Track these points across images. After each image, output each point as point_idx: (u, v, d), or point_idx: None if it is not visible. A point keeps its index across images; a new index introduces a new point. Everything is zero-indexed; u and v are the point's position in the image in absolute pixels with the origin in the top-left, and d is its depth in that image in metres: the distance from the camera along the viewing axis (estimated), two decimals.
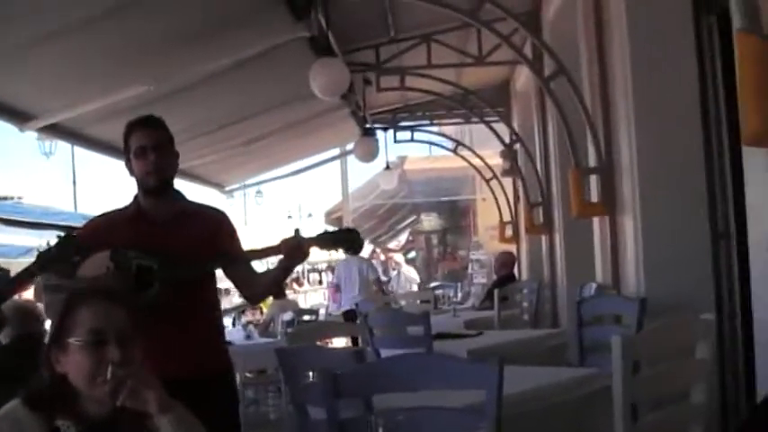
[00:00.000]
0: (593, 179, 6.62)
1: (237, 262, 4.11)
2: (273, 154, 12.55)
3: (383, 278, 17.47)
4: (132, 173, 4.04)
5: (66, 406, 2.25)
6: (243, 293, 4.42)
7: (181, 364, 3.81)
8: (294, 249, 3.91)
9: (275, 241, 3.97)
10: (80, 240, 4.01)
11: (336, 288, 12.39)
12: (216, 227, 4.13)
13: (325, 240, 4.03)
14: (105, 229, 4.08)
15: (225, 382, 4.14)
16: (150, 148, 3.93)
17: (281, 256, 4.00)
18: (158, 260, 3.88)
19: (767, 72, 2.89)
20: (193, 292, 3.97)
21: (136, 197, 4.08)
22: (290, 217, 30.29)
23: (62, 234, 3.97)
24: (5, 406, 2.27)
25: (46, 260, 3.82)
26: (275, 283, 4.28)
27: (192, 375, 3.78)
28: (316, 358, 4.10)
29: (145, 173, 3.96)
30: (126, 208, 4.11)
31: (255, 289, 4.22)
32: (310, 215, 28.03)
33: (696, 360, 3.57)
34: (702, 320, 3.60)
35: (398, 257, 20.93)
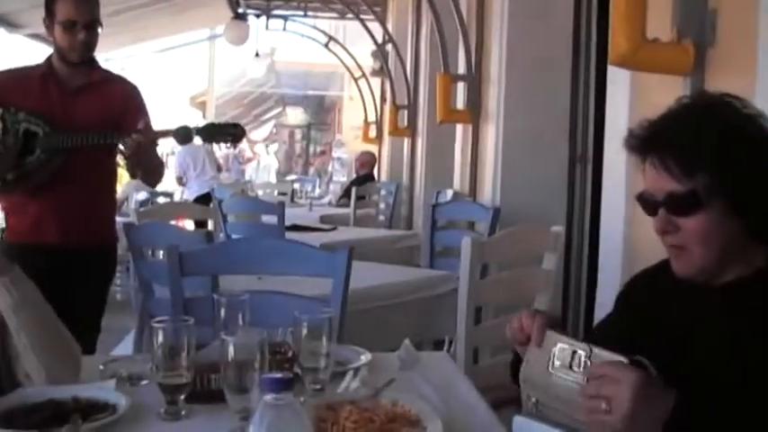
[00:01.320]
0: (461, 86, 6.65)
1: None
2: (141, 29, 12.16)
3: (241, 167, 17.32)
4: (52, 37, 3.88)
5: None
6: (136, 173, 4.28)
7: (73, 232, 3.89)
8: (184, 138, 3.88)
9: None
10: None
11: (179, 180, 12.08)
12: (125, 100, 4.03)
13: (211, 133, 3.94)
14: (10, 85, 3.91)
15: (110, 253, 4.14)
16: (81, 25, 3.79)
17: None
18: (52, 127, 3.77)
19: None
20: (93, 162, 3.90)
21: (49, 58, 3.94)
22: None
23: None
24: None
25: None
26: (159, 171, 4.19)
27: (82, 244, 3.89)
28: (164, 236, 4.03)
29: (70, 48, 3.83)
30: (36, 67, 3.96)
31: (142, 172, 4.09)
32: (175, 98, 27.41)
33: (543, 270, 3.65)
34: (552, 232, 3.67)
35: (259, 148, 20.74)
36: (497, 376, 3.41)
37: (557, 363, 1.73)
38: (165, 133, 3.91)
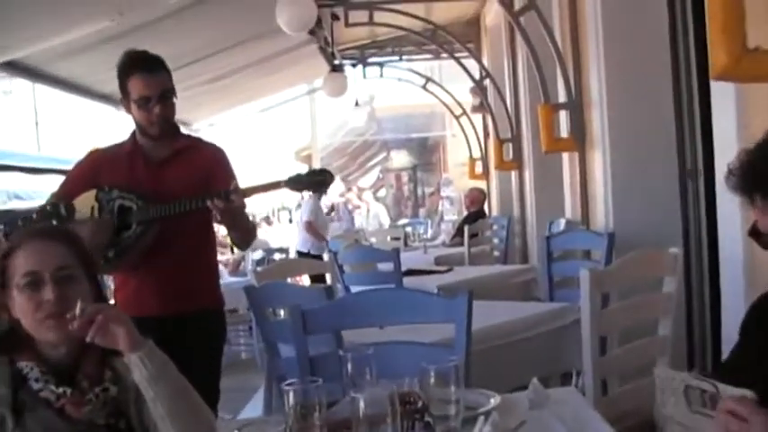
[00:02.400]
0: (563, 115, 6.61)
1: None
2: (243, 91, 12.42)
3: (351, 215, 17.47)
4: (130, 113, 3.95)
5: (26, 348, 2.23)
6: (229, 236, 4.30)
7: (174, 301, 3.91)
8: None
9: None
10: (80, 172, 4.05)
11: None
12: (211, 164, 4.04)
13: (297, 183, 3.82)
14: (101, 164, 4.03)
15: (215, 317, 4.15)
16: (154, 100, 3.85)
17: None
18: (144, 200, 3.85)
19: (736, 6, 2.87)
20: (187, 229, 3.93)
21: (133, 133, 4.02)
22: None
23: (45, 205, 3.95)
24: None
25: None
26: (250, 234, 4.19)
27: (184, 312, 3.89)
28: (285, 295, 4.08)
29: (148, 123, 3.89)
30: (123, 144, 4.05)
31: (234, 234, 4.10)
32: (281, 153, 27.90)
33: (663, 293, 3.59)
34: (670, 254, 3.61)
35: (367, 195, 20.87)
36: (626, 404, 3.37)
37: (694, 402, 1.71)
38: (255, 189, 3.92)
